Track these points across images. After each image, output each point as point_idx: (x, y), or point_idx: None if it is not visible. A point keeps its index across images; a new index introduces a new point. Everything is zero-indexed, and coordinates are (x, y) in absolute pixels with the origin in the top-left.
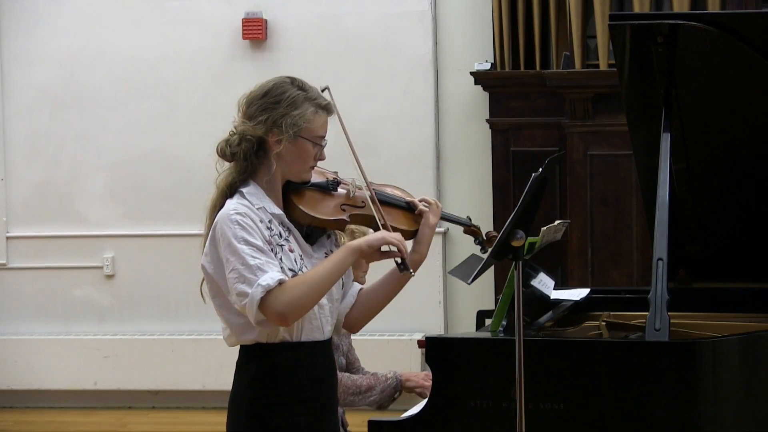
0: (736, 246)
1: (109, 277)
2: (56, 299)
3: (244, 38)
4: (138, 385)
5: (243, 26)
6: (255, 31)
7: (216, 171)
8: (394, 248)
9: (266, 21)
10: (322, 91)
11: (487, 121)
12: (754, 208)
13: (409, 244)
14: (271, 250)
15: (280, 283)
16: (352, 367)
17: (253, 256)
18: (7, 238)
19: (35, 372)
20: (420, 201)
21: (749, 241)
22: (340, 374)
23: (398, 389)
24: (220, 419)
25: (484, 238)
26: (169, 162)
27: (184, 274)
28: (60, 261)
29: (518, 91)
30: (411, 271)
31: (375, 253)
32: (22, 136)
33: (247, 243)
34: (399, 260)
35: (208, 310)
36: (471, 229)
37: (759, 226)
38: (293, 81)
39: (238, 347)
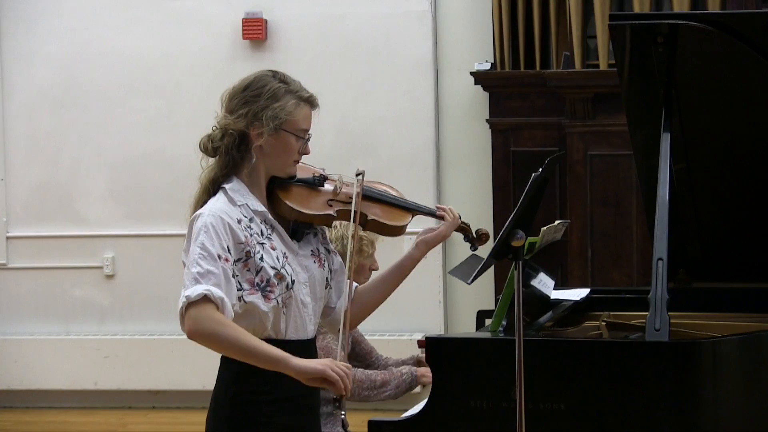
0: (736, 246)
1: (109, 277)
2: (56, 299)
3: (244, 38)
4: (138, 385)
5: (243, 26)
6: (255, 31)
7: (201, 167)
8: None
9: (266, 21)
10: (357, 176)
11: (487, 121)
12: (754, 208)
13: (391, 240)
14: (248, 251)
15: (206, 297)
16: (369, 357)
17: (197, 263)
18: (7, 238)
19: (35, 372)
20: (439, 209)
21: (749, 241)
22: (354, 369)
23: (413, 385)
24: None
25: (474, 235)
26: (169, 162)
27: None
28: (60, 261)
29: (518, 91)
30: (343, 413)
31: (311, 380)
32: (22, 136)
33: (202, 247)
34: (337, 397)
35: None
36: (460, 227)
37: (759, 226)
38: (275, 74)
39: None
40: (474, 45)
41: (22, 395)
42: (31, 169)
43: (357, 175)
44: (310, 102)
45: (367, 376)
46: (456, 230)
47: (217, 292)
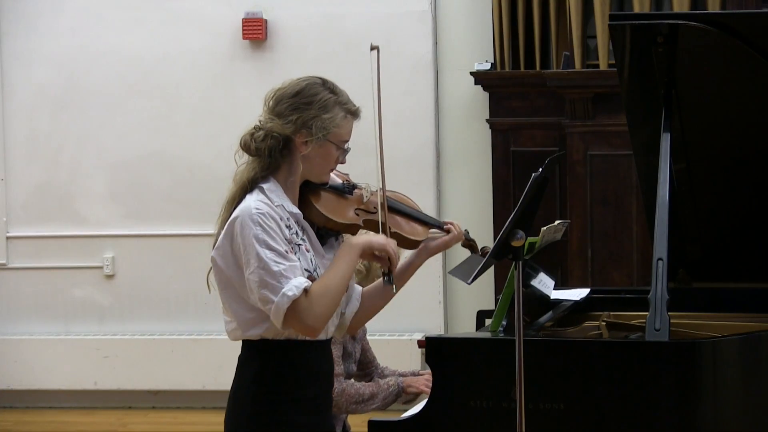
0: (736, 246)
1: (109, 277)
2: (56, 299)
3: (244, 38)
4: (138, 385)
5: (243, 26)
6: (255, 31)
7: (234, 162)
8: (386, 257)
9: (266, 21)
10: (372, 50)
11: (487, 121)
12: (754, 208)
13: (408, 253)
14: (291, 250)
15: (306, 290)
16: (369, 366)
17: (276, 261)
18: (7, 238)
19: (35, 372)
20: (446, 223)
21: (749, 241)
22: (345, 382)
23: (400, 395)
24: (220, 419)
25: (480, 253)
26: (169, 162)
27: (184, 274)
28: (60, 261)
29: (518, 91)
30: (394, 287)
31: (369, 255)
32: (22, 136)
33: (269, 247)
34: (386, 272)
35: (207, 310)
36: (468, 243)
37: (759, 226)
38: (324, 83)
39: (239, 342)
40: (474, 45)
41: (22, 395)
42: (31, 169)
43: (372, 49)
44: (356, 115)
45: (356, 390)
46: (464, 246)
47: (308, 283)
